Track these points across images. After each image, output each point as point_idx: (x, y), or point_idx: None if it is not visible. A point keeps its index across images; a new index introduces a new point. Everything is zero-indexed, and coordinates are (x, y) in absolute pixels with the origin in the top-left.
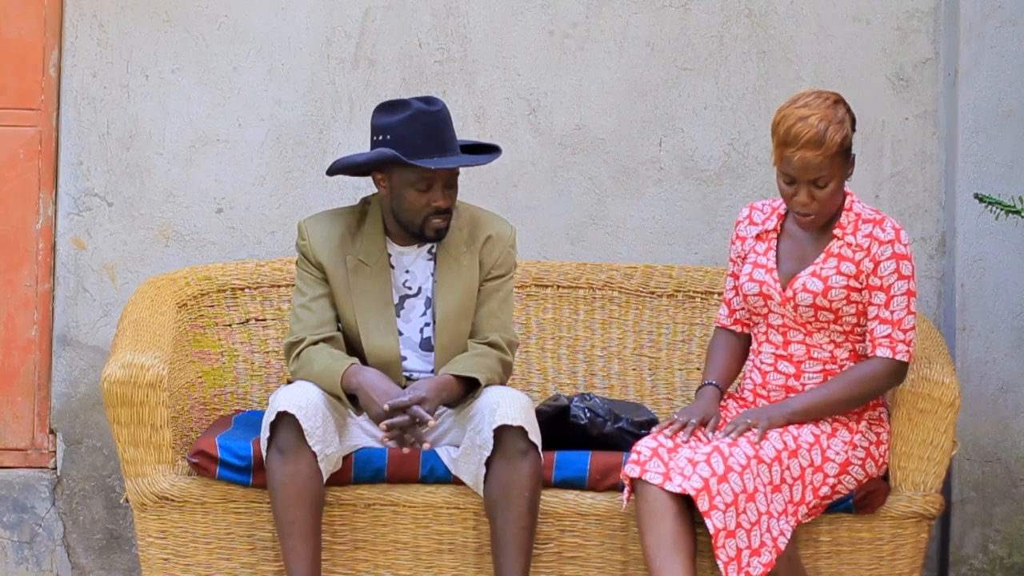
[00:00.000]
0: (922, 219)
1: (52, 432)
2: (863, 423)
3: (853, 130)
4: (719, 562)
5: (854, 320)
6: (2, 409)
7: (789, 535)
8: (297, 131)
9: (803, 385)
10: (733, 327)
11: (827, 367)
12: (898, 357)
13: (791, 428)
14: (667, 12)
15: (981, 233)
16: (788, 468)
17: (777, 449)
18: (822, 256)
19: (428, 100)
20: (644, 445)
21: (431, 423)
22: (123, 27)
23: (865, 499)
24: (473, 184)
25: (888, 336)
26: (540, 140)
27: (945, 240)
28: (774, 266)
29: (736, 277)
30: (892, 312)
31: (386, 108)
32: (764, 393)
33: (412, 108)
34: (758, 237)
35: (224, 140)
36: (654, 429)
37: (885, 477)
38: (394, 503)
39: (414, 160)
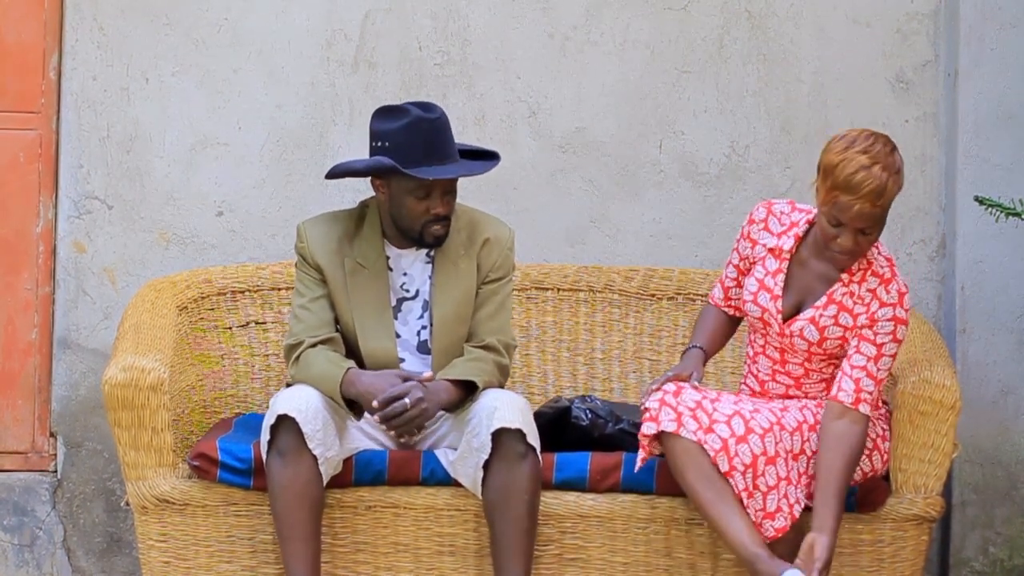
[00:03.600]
0: (922, 221)
1: (52, 435)
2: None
3: None
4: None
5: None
6: (2, 412)
7: (803, 504)
8: (297, 134)
9: (805, 393)
10: (726, 308)
11: (830, 382)
12: (871, 412)
13: (810, 404)
14: (667, 15)
15: (981, 235)
16: (808, 440)
17: (799, 420)
18: (823, 299)
19: (426, 107)
20: (652, 399)
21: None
22: (123, 30)
23: (867, 497)
24: (473, 187)
25: (871, 392)
26: (540, 143)
27: (945, 242)
28: (780, 293)
29: (741, 272)
30: (878, 370)
31: (384, 114)
32: (763, 399)
33: (411, 115)
34: (772, 251)
35: (224, 143)
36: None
37: (886, 477)
38: (395, 505)
39: (412, 170)
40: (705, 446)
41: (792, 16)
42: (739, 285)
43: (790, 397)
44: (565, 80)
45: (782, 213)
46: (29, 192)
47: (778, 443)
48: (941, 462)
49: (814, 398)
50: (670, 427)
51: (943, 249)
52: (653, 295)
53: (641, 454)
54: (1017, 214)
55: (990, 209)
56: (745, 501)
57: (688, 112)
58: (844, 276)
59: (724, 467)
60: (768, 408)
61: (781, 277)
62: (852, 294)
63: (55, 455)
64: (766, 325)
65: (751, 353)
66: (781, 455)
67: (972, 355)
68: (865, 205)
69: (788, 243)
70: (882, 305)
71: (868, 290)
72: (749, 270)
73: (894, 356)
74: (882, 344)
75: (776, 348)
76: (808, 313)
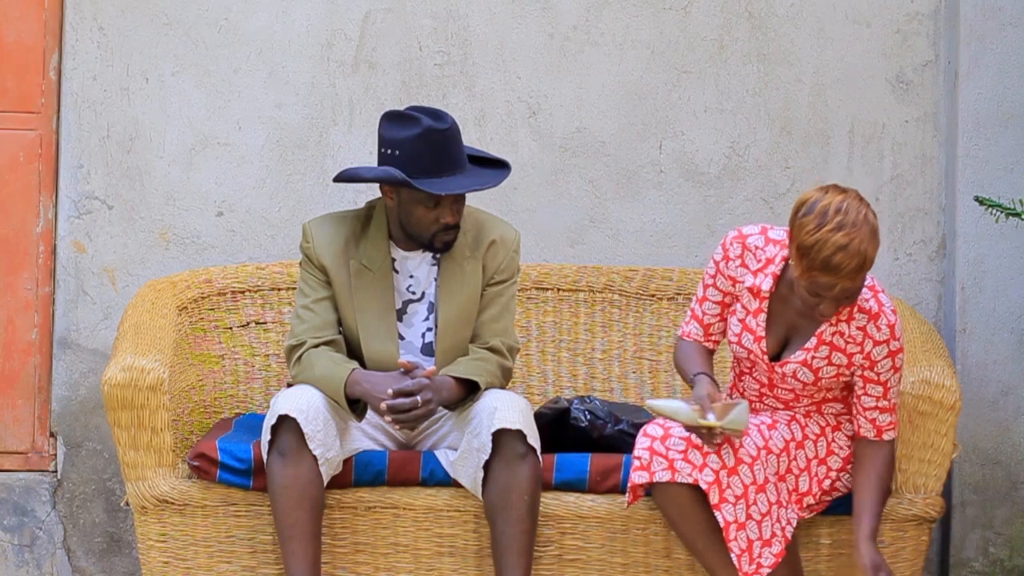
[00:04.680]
0: (922, 221)
1: (52, 435)
2: None
3: None
4: (732, 555)
5: (841, 386)
6: (2, 412)
7: (795, 523)
8: (297, 134)
9: (795, 414)
10: (706, 343)
11: (820, 406)
12: (895, 435)
13: (799, 418)
14: (667, 15)
15: (981, 236)
16: (795, 459)
17: (786, 439)
18: (813, 341)
19: (437, 115)
20: (640, 448)
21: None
22: (123, 30)
23: None
24: None
25: (891, 423)
26: (540, 143)
27: (945, 242)
28: (763, 335)
29: (723, 306)
30: (890, 400)
31: (395, 120)
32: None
33: (422, 125)
34: (750, 290)
35: (224, 143)
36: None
37: None
38: (395, 506)
39: (422, 182)
40: (700, 482)
41: (792, 16)
42: (722, 319)
43: (780, 410)
44: (565, 80)
45: (757, 248)
46: (29, 192)
47: (766, 468)
48: (941, 462)
49: (805, 415)
50: (664, 476)
51: (943, 249)
52: (653, 295)
53: (629, 497)
54: (1017, 214)
55: (990, 209)
56: (733, 534)
57: (688, 112)
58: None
59: (714, 499)
60: (757, 428)
61: (763, 317)
62: (842, 334)
63: (55, 455)
64: (753, 364)
65: (737, 371)
66: (770, 480)
67: (972, 355)
68: (847, 282)
69: (767, 283)
70: (876, 344)
71: (858, 328)
72: (731, 304)
73: (900, 381)
74: (886, 380)
75: (765, 376)
76: (799, 356)
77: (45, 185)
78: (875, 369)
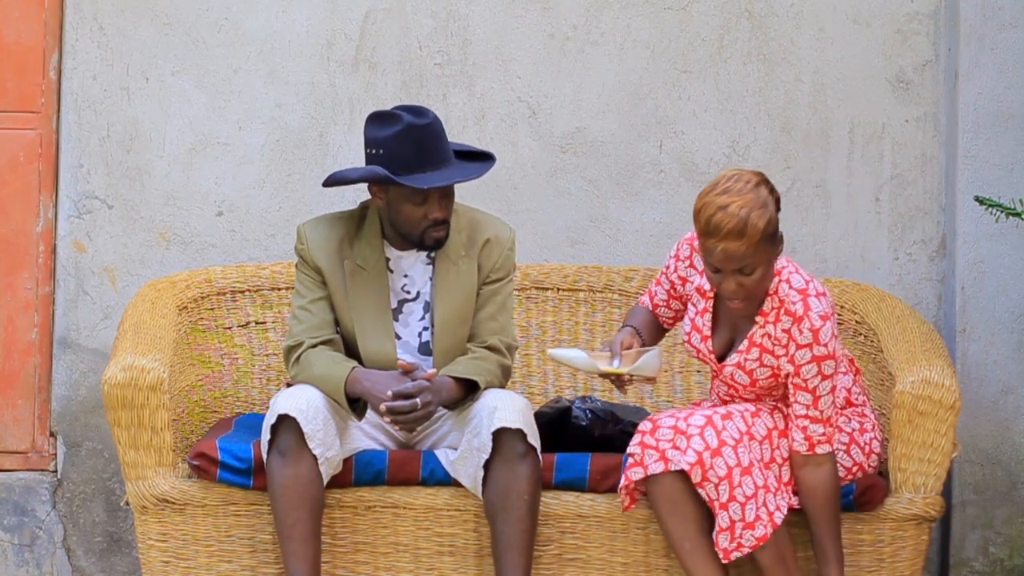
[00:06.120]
0: (922, 221)
1: (52, 435)
2: (842, 416)
3: (778, 209)
4: (713, 532)
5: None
6: (2, 412)
7: (785, 511)
8: (297, 134)
9: (762, 404)
10: (655, 312)
11: (780, 401)
12: (832, 448)
13: (780, 407)
14: (667, 15)
15: (981, 235)
16: (778, 447)
17: (768, 427)
18: (745, 343)
19: (418, 112)
20: (633, 445)
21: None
22: (123, 30)
23: (864, 495)
24: (473, 187)
25: (824, 435)
26: (540, 143)
27: (945, 242)
28: (709, 334)
29: (671, 296)
30: (821, 412)
31: (376, 120)
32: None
33: (403, 123)
34: (697, 290)
35: (224, 143)
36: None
37: (882, 473)
38: (394, 505)
39: (405, 178)
40: (683, 464)
41: (792, 16)
42: (667, 306)
43: (753, 402)
44: (565, 80)
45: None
46: (29, 192)
47: (750, 452)
48: (941, 462)
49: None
50: (657, 468)
51: (943, 249)
52: None
53: (626, 502)
54: (1017, 214)
55: (990, 209)
56: (717, 512)
57: (688, 112)
58: (759, 318)
59: (696, 478)
60: (740, 414)
61: (708, 317)
62: (769, 335)
63: (55, 455)
64: (704, 363)
65: (710, 376)
66: (755, 464)
67: (972, 355)
68: (729, 244)
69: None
70: (799, 347)
71: (783, 331)
72: (680, 298)
73: (833, 390)
74: (814, 388)
75: (724, 382)
76: (734, 358)
77: (45, 185)
78: (801, 375)
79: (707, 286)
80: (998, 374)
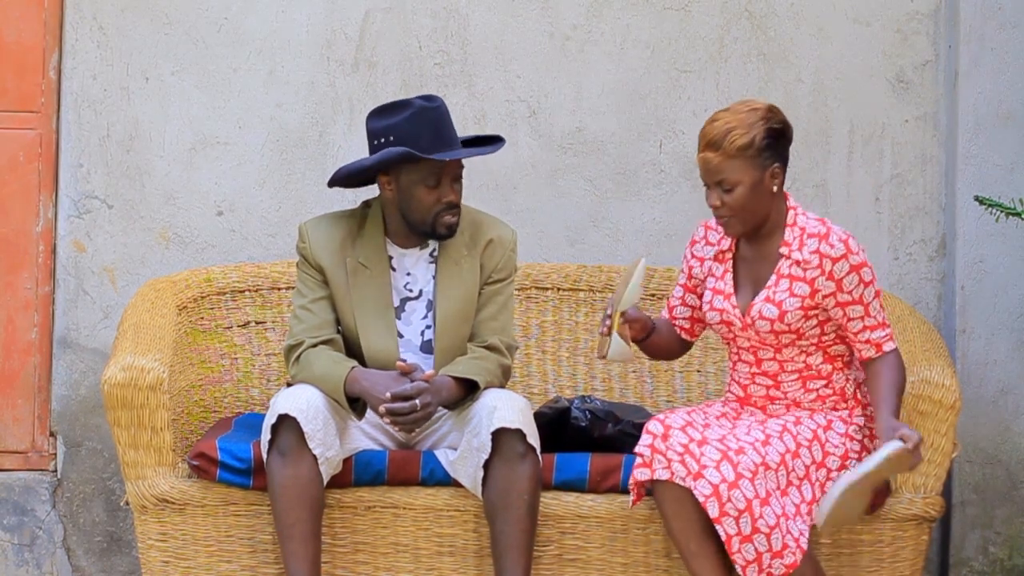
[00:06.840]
0: (922, 221)
1: (52, 435)
2: (857, 414)
3: (787, 141)
4: (737, 566)
5: (818, 332)
6: (2, 412)
7: (807, 534)
8: (297, 133)
9: (784, 393)
10: (671, 321)
11: (804, 374)
12: (895, 345)
13: (789, 426)
14: (667, 14)
15: (981, 235)
16: (793, 470)
17: (780, 453)
18: (773, 278)
19: (427, 97)
20: (642, 445)
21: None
22: (123, 29)
23: None
24: (473, 186)
25: (887, 335)
26: (540, 142)
27: (945, 242)
28: (731, 291)
29: (687, 291)
30: (875, 317)
31: (384, 111)
32: (749, 404)
33: (414, 106)
34: (716, 258)
35: (224, 142)
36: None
37: None
38: (394, 505)
39: (424, 155)
40: (695, 492)
41: (792, 16)
42: (684, 303)
43: (772, 400)
44: (565, 80)
45: (717, 223)
46: (29, 191)
47: (767, 483)
48: (941, 462)
49: (797, 403)
50: (663, 475)
51: (943, 249)
52: (653, 294)
53: (633, 497)
54: (1017, 214)
55: (990, 209)
56: (737, 547)
57: (688, 112)
58: (784, 249)
59: (714, 513)
60: (752, 445)
61: (729, 276)
62: (797, 262)
63: (55, 454)
64: (729, 326)
65: (730, 364)
66: (772, 494)
67: (972, 355)
68: (707, 154)
69: (727, 242)
70: (834, 261)
71: (811, 252)
72: (697, 288)
73: (878, 294)
74: (860, 296)
75: (748, 349)
76: (762, 295)
77: (45, 185)
78: (844, 288)
79: (723, 246)
80: (998, 374)
